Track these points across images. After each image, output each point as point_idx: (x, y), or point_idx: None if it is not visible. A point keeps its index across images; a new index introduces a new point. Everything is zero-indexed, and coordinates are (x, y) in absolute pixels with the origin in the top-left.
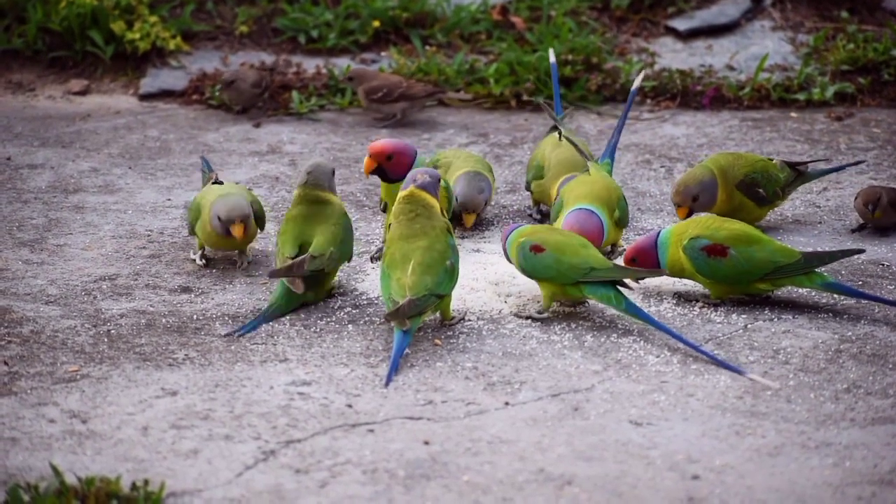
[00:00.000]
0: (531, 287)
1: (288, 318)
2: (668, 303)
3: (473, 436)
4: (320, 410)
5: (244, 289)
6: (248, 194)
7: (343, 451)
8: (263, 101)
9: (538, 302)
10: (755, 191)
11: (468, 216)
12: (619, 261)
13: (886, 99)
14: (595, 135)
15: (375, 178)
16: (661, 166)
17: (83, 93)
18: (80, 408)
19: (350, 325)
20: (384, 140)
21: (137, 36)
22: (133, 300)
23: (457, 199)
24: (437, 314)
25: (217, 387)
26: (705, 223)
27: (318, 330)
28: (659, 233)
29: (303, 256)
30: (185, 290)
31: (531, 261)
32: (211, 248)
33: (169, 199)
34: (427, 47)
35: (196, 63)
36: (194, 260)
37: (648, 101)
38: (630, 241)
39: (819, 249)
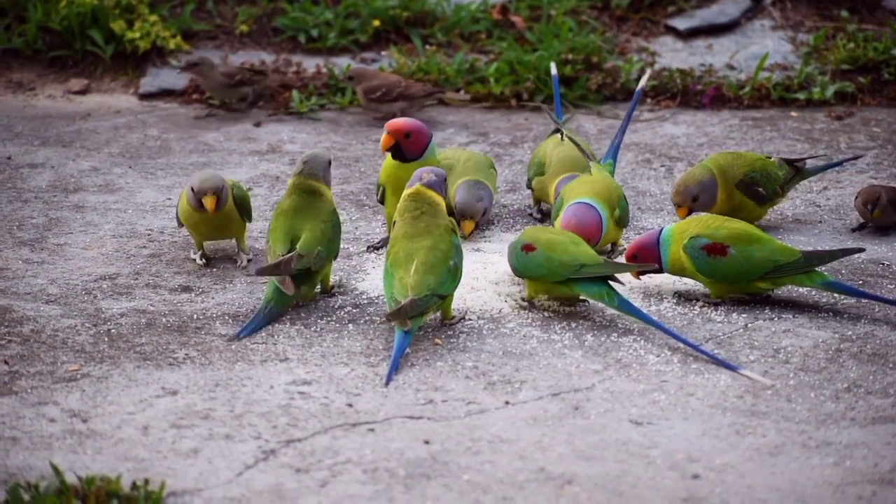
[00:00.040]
0: None
1: (288, 317)
2: (669, 302)
3: (474, 435)
4: (321, 410)
5: (244, 288)
6: (238, 188)
7: (343, 451)
8: (244, 96)
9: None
10: (755, 190)
11: (466, 224)
12: (621, 260)
13: (886, 98)
14: (595, 134)
15: (375, 178)
16: (662, 166)
17: (83, 92)
18: (81, 407)
19: (350, 325)
20: (402, 118)
21: (137, 35)
22: (133, 299)
23: (456, 207)
24: (438, 313)
25: (217, 386)
26: (706, 222)
27: (318, 329)
28: (661, 231)
29: (289, 255)
30: (186, 289)
31: (522, 260)
32: (197, 235)
33: (169, 199)
34: (427, 46)
35: None
36: (194, 259)
37: (649, 100)
38: (630, 240)
39: (819, 248)
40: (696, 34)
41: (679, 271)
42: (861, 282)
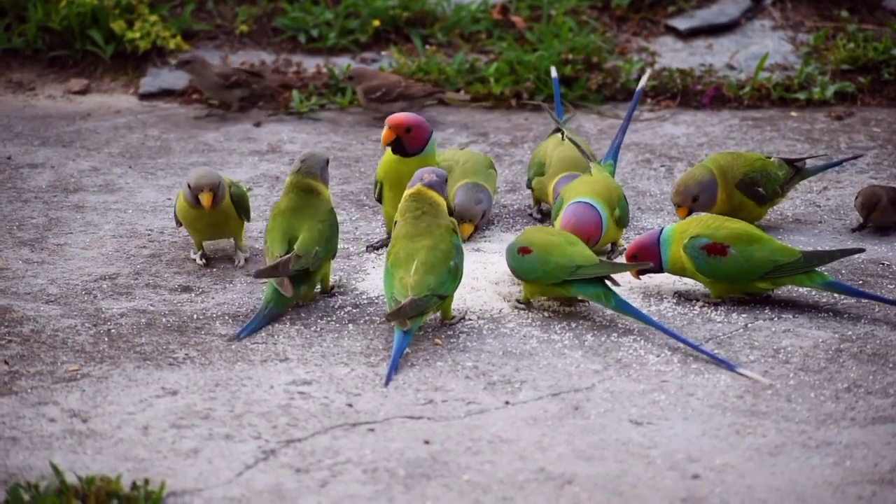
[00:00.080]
0: None
1: (288, 317)
2: (669, 302)
3: (474, 435)
4: (321, 410)
5: (244, 288)
6: (236, 186)
7: (343, 451)
8: (238, 98)
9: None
10: (755, 190)
11: (465, 227)
12: (621, 260)
13: (886, 98)
14: (595, 134)
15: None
16: (662, 166)
17: (83, 92)
18: (81, 407)
19: (350, 325)
20: (403, 113)
21: (137, 35)
22: (133, 299)
23: (455, 210)
24: (438, 313)
25: (217, 386)
26: (706, 222)
27: (318, 329)
28: (661, 231)
29: (287, 256)
30: (186, 289)
31: (519, 262)
32: (195, 234)
33: (169, 199)
34: (427, 46)
35: None
36: (194, 259)
37: (649, 100)
38: (630, 240)
39: (819, 248)
40: (696, 34)
41: (679, 271)
42: (861, 282)
